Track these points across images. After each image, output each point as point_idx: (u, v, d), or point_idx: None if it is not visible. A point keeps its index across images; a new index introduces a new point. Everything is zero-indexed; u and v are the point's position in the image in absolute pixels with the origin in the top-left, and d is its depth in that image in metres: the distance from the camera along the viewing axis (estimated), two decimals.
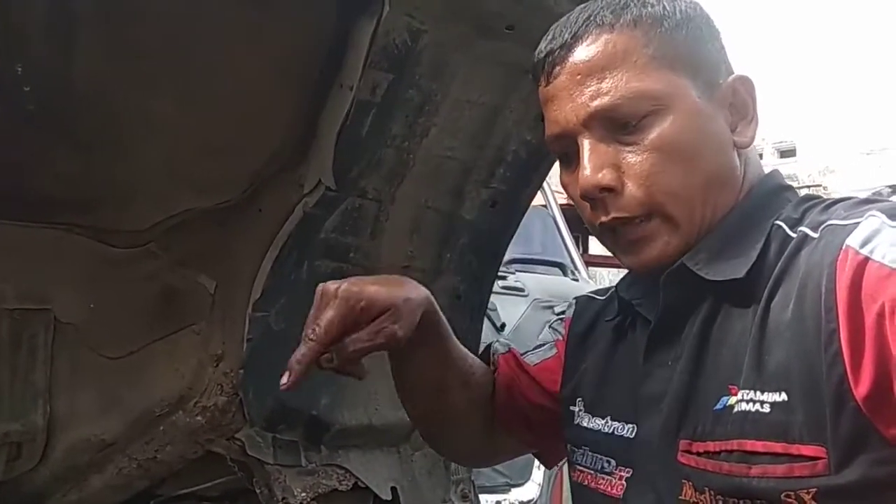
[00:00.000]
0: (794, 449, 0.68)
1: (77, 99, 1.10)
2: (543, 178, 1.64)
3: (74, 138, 1.15)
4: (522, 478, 3.04)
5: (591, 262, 4.71)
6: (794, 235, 0.76)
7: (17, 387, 1.29)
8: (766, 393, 0.70)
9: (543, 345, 1.03)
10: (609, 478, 0.84)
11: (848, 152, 17.05)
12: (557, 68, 0.80)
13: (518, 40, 1.24)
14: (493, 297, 1.84)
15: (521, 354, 1.04)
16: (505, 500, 2.98)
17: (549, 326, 1.05)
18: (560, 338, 1.01)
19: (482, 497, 1.94)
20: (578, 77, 0.78)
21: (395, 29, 1.17)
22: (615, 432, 0.85)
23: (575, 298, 1.05)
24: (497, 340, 1.09)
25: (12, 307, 1.28)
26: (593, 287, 4.03)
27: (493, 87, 1.35)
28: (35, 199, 1.22)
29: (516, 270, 3.46)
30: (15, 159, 1.13)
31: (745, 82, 0.83)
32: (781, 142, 18.68)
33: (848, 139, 17.17)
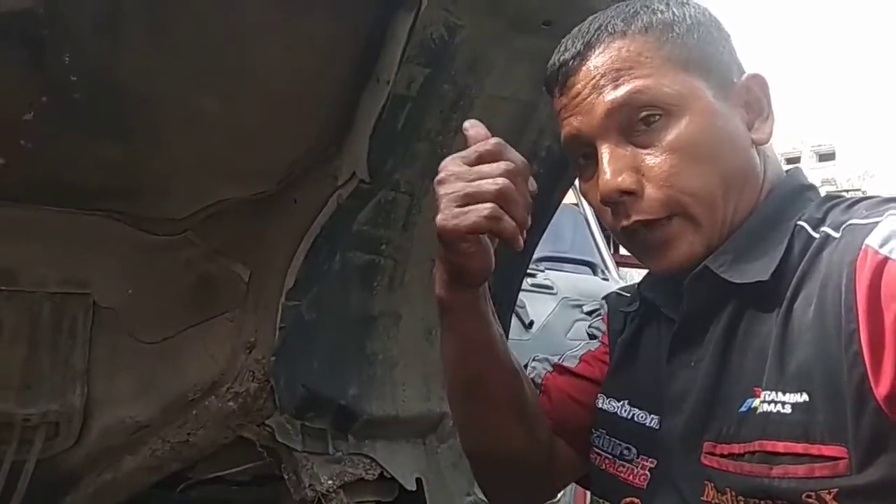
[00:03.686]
0: (815, 449, 0.68)
1: (120, 90, 1.13)
2: (576, 176, 1.64)
3: (117, 128, 1.18)
4: None
5: (621, 262, 4.68)
6: (816, 236, 0.75)
7: (57, 368, 1.33)
8: (787, 394, 0.70)
9: (581, 343, 1.02)
10: (630, 466, 0.84)
11: (888, 156, 16.69)
12: (572, 78, 0.81)
13: (554, 36, 1.23)
14: (521, 295, 1.84)
15: (561, 359, 1.00)
16: None
17: (590, 326, 1.04)
18: (600, 335, 1.01)
19: None
20: (593, 82, 0.79)
21: (432, 23, 1.18)
22: (635, 418, 0.85)
23: (604, 298, 1.04)
24: (537, 361, 1.04)
25: (53, 291, 1.32)
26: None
27: (528, 82, 1.36)
28: (76, 185, 1.25)
29: (546, 268, 3.45)
30: (59, 147, 1.17)
31: (758, 80, 0.83)
32: (820, 145, 18.35)
33: (888, 143, 16.81)
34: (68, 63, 1.05)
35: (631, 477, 0.84)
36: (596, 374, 0.96)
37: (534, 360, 1.03)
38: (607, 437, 0.88)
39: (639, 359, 0.89)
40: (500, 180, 0.72)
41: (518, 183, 0.73)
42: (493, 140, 0.75)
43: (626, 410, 0.87)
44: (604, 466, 0.88)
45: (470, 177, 0.73)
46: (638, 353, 0.90)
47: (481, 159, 0.73)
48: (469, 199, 0.72)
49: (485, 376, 0.88)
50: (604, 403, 0.90)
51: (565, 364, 0.99)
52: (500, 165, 0.73)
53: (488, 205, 0.71)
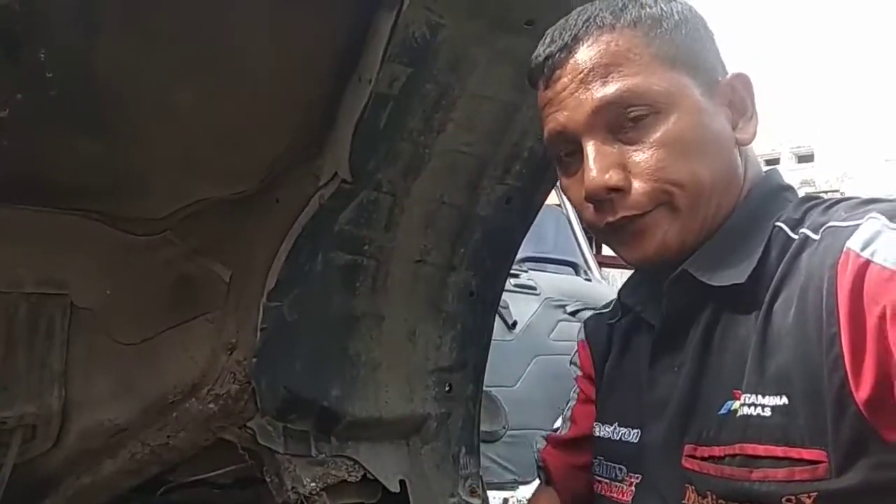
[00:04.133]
0: (795, 453, 0.68)
1: (98, 86, 1.11)
2: (559, 177, 1.64)
3: (94, 125, 1.16)
4: (531, 475, 3.04)
5: (604, 262, 4.69)
6: (795, 237, 0.75)
7: (34, 370, 1.31)
8: (767, 397, 0.70)
9: (568, 400, 1.04)
10: (620, 485, 0.85)
11: (867, 158, 16.89)
12: (558, 71, 0.80)
13: (537, 36, 1.24)
14: (505, 295, 1.84)
15: (556, 430, 1.04)
16: (513, 496, 2.98)
17: (571, 363, 1.05)
18: (578, 373, 1.02)
19: (490, 493, 1.94)
20: (581, 76, 0.78)
21: (414, 22, 1.17)
22: (622, 438, 0.86)
23: (583, 323, 1.04)
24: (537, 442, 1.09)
25: (30, 291, 1.29)
26: (605, 287, 4.00)
27: (510, 82, 1.35)
28: (54, 184, 1.23)
29: (529, 269, 3.45)
30: (35, 145, 1.15)
31: (743, 79, 0.83)
32: (799, 147, 18.53)
33: (867, 145, 17.01)
34: (44, 59, 1.04)
35: (619, 495, 0.84)
36: (589, 428, 0.97)
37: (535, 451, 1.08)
38: (605, 462, 0.89)
39: (624, 378, 0.90)
40: None
41: None
42: None
43: (616, 433, 0.87)
44: (602, 492, 0.88)
45: None
46: (623, 373, 0.90)
47: None
48: None
49: None
50: (600, 431, 0.91)
51: (559, 435, 1.02)
52: None
53: None
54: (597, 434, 0.91)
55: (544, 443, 1.05)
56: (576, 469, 0.98)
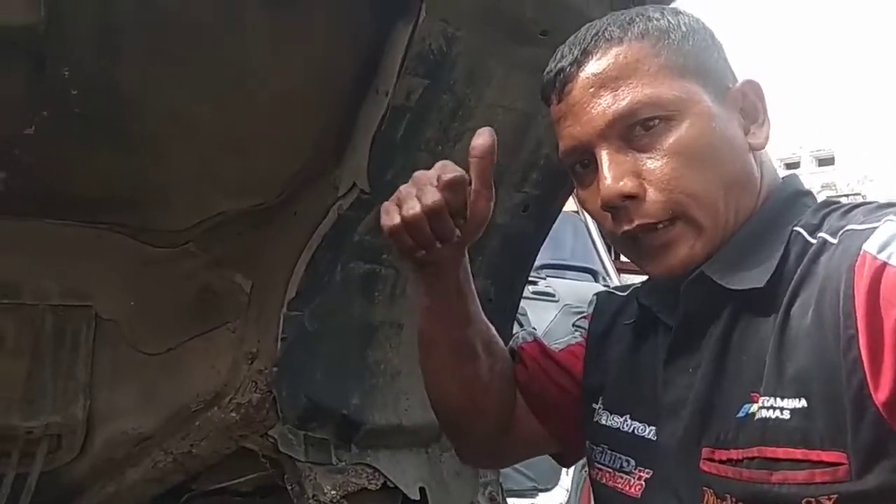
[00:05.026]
0: (815, 455, 0.68)
1: (120, 103, 1.13)
2: (576, 190, 1.64)
3: (117, 141, 1.18)
4: (550, 483, 3.03)
5: (623, 268, 4.68)
6: (813, 241, 0.75)
7: (60, 380, 1.33)
8: (786, 399, 0.70)
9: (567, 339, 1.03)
10: (627, 477, 0.85)
11: (887, 161, 16.71)
12: (569, 85, 0.81)
13: (552, 46, 1.25)
14: (523, 302, 1.84)
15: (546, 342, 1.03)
16: None
17: (574, 325, 1.04)
18: (584, 332, 1.02)
19: (510, 501, 1.94)
20: (592, 90, 0.79)
21: (430, 35, 1.18)
22: (635, 432, 0.86)
23: (595, 294, 1.05)
24: (522, 329, 1.07)
25: (56, 303, 1.32)
26: None
27: (526, 92, 1.36)
28: (77, 198, 1.26)
29: (547, 276, 3.45)
30: (60, 160, 1.17)
31: (753, 86, 0.84)
32: (820, 150, 18.37)
33: (887, 147, 16.83)
34: (68, 77, 1.06)
35: (627, 487, 0.84)
36: (573, 366, 0.98)
37: (522, 330, 1.06)
38: (609, 451, 0.88)
39: (638, 371, 0.89)
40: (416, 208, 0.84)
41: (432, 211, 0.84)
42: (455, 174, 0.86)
43: (627, 425, 0.87)
44: (604, 480, 0.88)
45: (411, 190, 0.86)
46: (638, 365, 0.90)
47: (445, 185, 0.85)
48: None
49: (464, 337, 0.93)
50: (607, 420, 0.90)
51: (548, 347, 1.00)
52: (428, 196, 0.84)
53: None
54: (603, 422, 0.90)
55: (531, 339, 1.02)
56: (546, 378, 0.98)
